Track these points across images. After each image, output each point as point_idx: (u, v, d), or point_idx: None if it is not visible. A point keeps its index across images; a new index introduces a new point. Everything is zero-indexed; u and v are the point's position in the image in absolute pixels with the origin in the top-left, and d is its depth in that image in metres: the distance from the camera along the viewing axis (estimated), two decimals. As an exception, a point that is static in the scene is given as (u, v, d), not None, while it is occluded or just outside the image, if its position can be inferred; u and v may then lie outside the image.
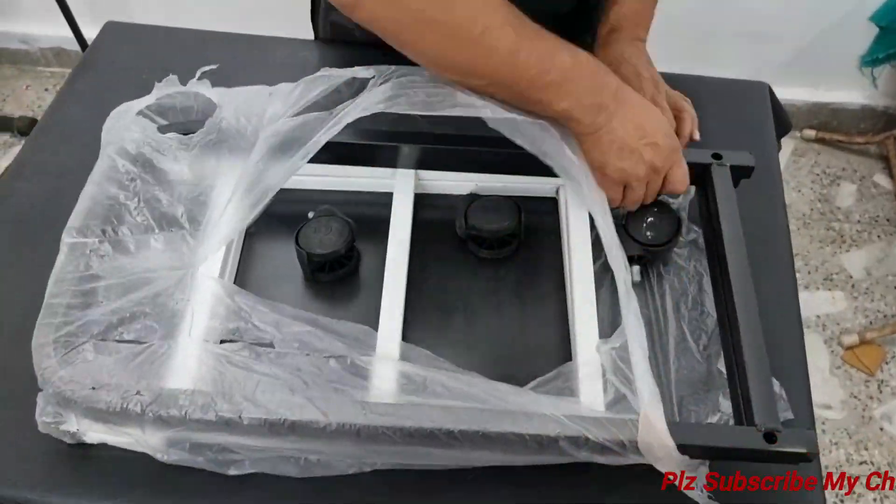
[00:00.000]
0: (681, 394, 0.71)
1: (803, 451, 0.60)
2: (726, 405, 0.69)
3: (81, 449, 0.67)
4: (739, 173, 0.77)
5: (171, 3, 1.82)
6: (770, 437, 0.60)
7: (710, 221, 0.75)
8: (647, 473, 0.63)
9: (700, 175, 0.76)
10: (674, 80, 0.95)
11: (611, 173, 0.70)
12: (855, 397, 1.61)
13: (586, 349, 0.69)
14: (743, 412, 0.63)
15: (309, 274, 0.75)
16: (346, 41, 0.98)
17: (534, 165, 0.72)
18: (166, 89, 0.79)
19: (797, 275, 1.77)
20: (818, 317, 1.73)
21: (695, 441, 0.60)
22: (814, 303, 1.75)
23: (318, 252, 0.73)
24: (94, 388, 0.62)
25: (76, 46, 1.90)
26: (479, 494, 0.66)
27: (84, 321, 0.67)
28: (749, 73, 1.16)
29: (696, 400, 0.70)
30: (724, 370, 0.71)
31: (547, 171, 0.73)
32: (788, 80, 1.92)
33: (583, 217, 0.78)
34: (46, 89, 2.12)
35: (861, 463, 1.53)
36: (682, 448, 0.60)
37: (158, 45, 1.00)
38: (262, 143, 0.72)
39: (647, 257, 0.76)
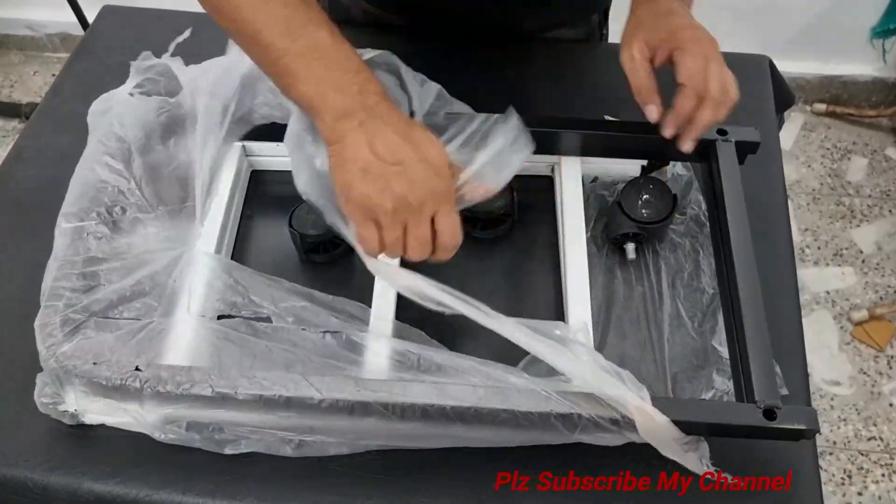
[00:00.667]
0: (675, 370, 0.71)
1: (803, 427, 0.60)
2: (720, 381, 0.69)
3: (81, 430, 0.68)
4: (745, 149, 0.76)
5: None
6: (770, 413, 0.60)
7: (713, 198, 0.74)
8: (643, 453, 0.63)
9: (704, 151, 0.75)
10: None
11: (354, 198, 0.58)
12: (864, 373, 1.60)
13: (579, 335, 0.68)
14: (743, 389, 0.63)
15: (303, 255, 0.75)
16: (343, 20, 0.98)
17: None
18: (143, 65, 0.79)
19: (806, 250, 1.77)
20: (827, 293, 1.71)
21: (694, 417, 0.61)
22: (823, 278, 1.74)
23: (310, 233, 0.73)
24: (94, 364, 0.63)
25: (82, 31, 1.90)
26: (472, 475, 0.67)
27: (87, 302, 0.68)
28: (756, 46, 1.14)
29: (690, 377, 0.70)
30: (718, 347, 0.71)
31: (541, 149, 0.73)
32: (798, 54, 1.89)
33: (577, 195, 0.77)
34: (53, 75, 2.13)
35: (869, 439, 1.52)
36: (681, 425, 0.60)
37: (155, 28, 1.00)
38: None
39: (643, 235, 0.76)
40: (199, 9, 1.02)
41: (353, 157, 0.57)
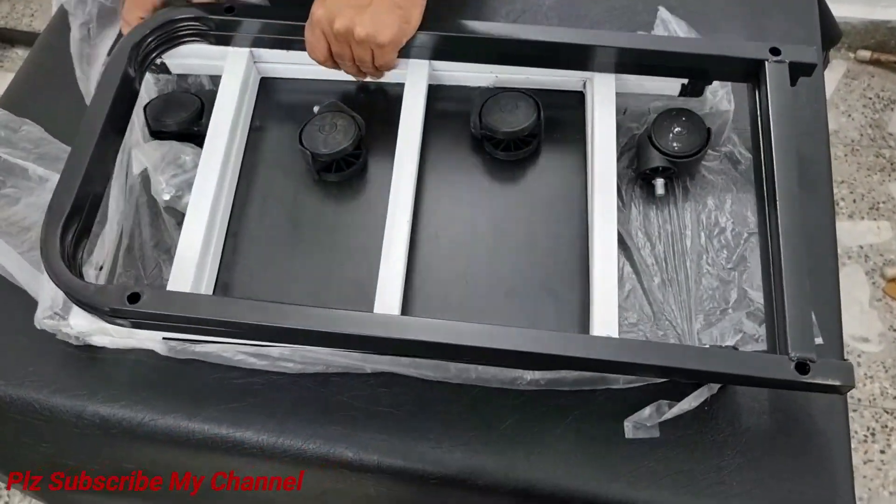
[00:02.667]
0: (701, 312, 0.67)
1: (837, 383, 0.57)
2: (750, 326, 0.66)
3: (87, 352, 0.68)
4: (798, 71, 0.69)
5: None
6: (803, 367, 0.57)
7: (758, 126, 0.68)
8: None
9: (753, 71, 0.69)
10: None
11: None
12: (894, 330, 1.55)
13: (603, 270, 0.65)
14: (777, 338, 0.59)
15: (315, 174, 0.72)
16: None
17: (560, 58, 0.67)
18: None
19: (841, 203, 1.71)
20: (861, 247, 1.66)
21: (723, 368, 0.58)
22: (857, 232, 1.68)
23: (323, 152, 0.70)
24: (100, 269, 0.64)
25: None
26: (479, 414, 0.65)
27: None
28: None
29: (718, 319, 0.67)
30: (750, 290, 0.68)
31: (573, 64, 0.68)
32: (843, -4, 1.81)
33: (609, 115, 0.72)
34: (75, 4, 2.09)
35: (895, 397, 1.49)
36: (709, 375, 0.58)
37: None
38: None
39: (673, 170, 0.72)
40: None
41: None
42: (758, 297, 0.67)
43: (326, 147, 0.70)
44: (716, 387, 0.64)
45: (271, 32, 0.73)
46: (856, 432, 1.45)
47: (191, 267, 0.64)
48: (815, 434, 0.64)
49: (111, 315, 0.59)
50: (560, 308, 0.66)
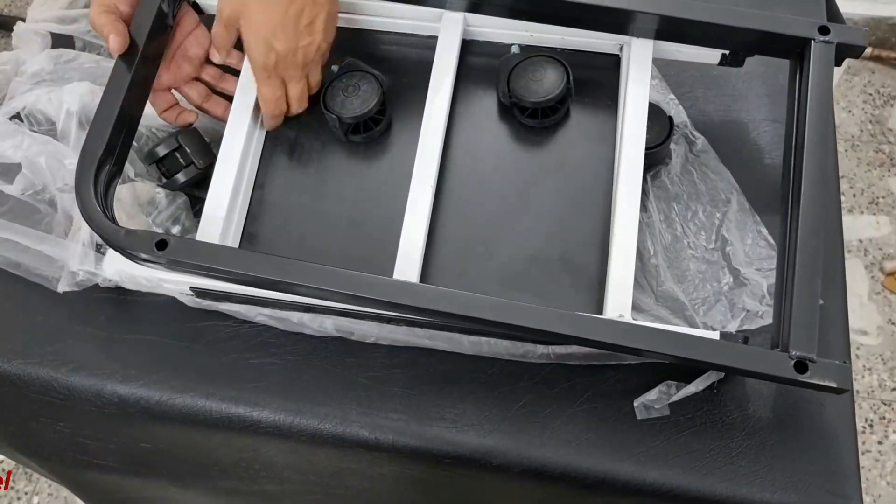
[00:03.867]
0: (699, 297, 0.68)
1: (834, 385, 0.57)
2: (752, 304, 0.67)
3: (106, 332, 0.69)
4: (844, 53, 0.66)
5: None
6: (802, 366, 0.57)
7: (797, 106, 0.65)
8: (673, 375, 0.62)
9: (799, 49, 0.66)
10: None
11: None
12: (893, 323, 1.57)
13: (621, 252, 0.64)
14: (781, 334, 0.59)
15: (343, 136, 0.72)
16: None
17: (599, 19, 0.67)
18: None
19: (842, 197, 1.72)
20: (860, 241, 1.67)
21: (722, 360, 0.58)
22: (856, 226, 1.70)
23: (346, 115, 0.70)
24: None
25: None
26: (497, 392, 0.66)
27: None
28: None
29: (716, 300, 0.68)
30: (741, 269, 0.69)
31: (612, 27, 0.67)
32: (846, -8, 1.81)
33: (644, 84, 0.69)
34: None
35: (893, 389, 1.50)
36: (711, 366, 0.58)
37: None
38: None
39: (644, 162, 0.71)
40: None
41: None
42: (752, 273, 0.68)
43: (349, 110, 0.70)
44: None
45: None
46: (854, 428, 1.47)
47: (219, 218, 0.65)
48: (822, 421, 0.65)
49: (140, 259, 0.62)
50: (577, 282, 0.66)
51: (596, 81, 0.73)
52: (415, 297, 0.59)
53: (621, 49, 0.74)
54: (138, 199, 0.72)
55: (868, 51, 1.91)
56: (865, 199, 1.73)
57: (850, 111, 1.86)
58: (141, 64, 0.66)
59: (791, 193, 0.63)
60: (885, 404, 1.49)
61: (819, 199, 0.61)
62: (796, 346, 0.57)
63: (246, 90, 0.71)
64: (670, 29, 0.70)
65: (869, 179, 1.76)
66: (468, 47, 0.75)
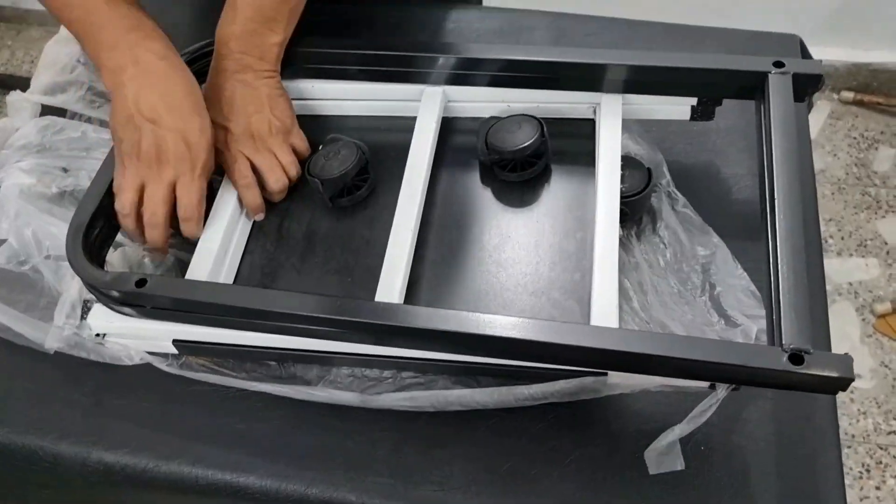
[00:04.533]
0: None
1: (834, 374, 0.53)
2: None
3: (93, 399, 0.69)
4: (805, 84, 0.68)
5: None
6: (797, 358, 0.53)
7: (764, 142, 0.66)
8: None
9: (758, 85, 0.68)
10: (697, 34, 0.92)
11: (116, 144, 0.67)
12: (885, 366, 1.57)
13: (603, 263, 0.65)
14: (773, 332, 0.57)
15: (327, 200, 0.74)
16: None
17: (569, 77, 0.69)
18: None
19: (829, 241, 1.74)
20: (850, 284, 1.68)
21: (709, 357, 0.55)
22: (846, 269, 1.71)
23: (328, 177, 0.72)
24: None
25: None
26: (484, 454, 0.66)
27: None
28: (783, 29, 1.12)
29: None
30: (730, 311, 0.69)
31: (582, 84, 0.70)
32: (826, 39, 1.85)
33: (615, 138, 0.72)
34: (74, 50, 2.13)
35: (889, 433, 1.50)
36: (696, 366, 0.55)
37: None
38: None
39: (626, 210, 0.72)
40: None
41: (121, 107, 0.64)
42: (741, 318, 0.68)
43: (330, 173, 0.72)
44: (719, 394, 0.62)
45: (304, 62, 0.78)
46: (850, 469, 1.46)
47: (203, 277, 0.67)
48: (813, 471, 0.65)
49: (121, 301, 0.63)
50: (563, 317, 0.67)
51: (574, 145, 0.77)
52: (403, 318, 0.59)
53: (595, 112, 0.78)
54: (128, 263, 0.73)
55: (850, 95, 1.95)
56: (854, 242, 1.74)
57: (835, 155, 1.89)
58: None
59: (768, 210, 0.63)
60: (881, 448, 1.48)
61: (796, 210, 0.61)
62: (789, 339, 0.55)
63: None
64: (637, 79, 0.73)
65: (857, 222, 1.77)
66: (449, 122, 0.79)
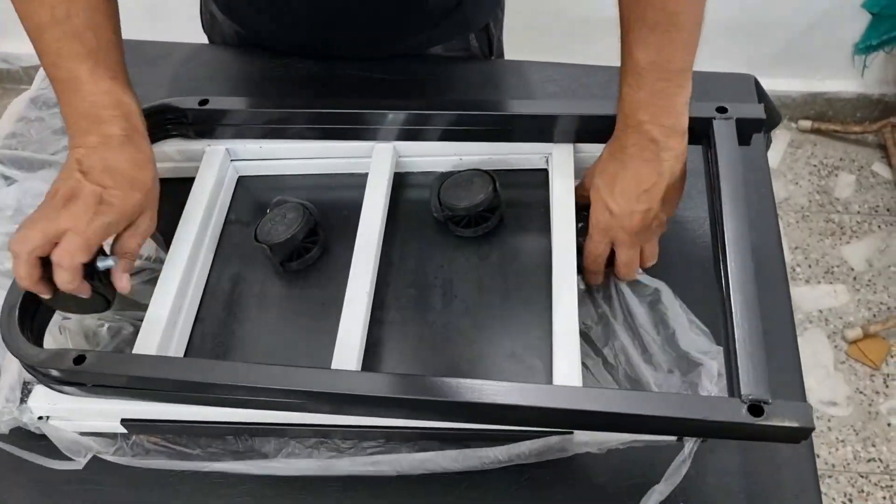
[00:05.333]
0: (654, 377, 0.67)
1: (794, 425, 0.53)
2: (709, 385, 0.65)
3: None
4: (748, 128, 0.70)
5: (154, 15, 1.79)
6: (756, 409, 0.53)
7: (711, 183, 0.68)
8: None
9: (702, 130, 0.69)
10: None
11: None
12: (861, 392, 1.57)
13: (564, 324, 0.64)
14: (732, 383, 0.57)
15: (278, 266, 0.72)
16: (220, 41, 1.00)
17: (524, 128, 0.69)
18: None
19: (797, 269, 1.74)
20: (820, 311, 1.69)
21: (669, 412, 0.54)
22: (815, 297, 1.71)
23: (276, 242, 0.70)
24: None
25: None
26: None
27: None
28: (739, 64, 1.13)
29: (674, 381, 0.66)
30: (690, 352, 0.67)
31: (534, 136, 0.70)
32: (781, 71, 1.89)
33: (568, 188, 0.72)
34: (31, 108, 2.10)
35: (869, 460, 1.49)
36: (656, 422, 0.55)
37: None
38: None
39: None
40: (168, 38, 1.01)
41: (65, 165, 0.65)
42: (701, 357, 0.66)
43: (275, 237, 0.70)
44: (688, 448, 0.61)
45: (248, 122, 0.76)
46: (833, 500, 1.45)
47: (150, 349, 0.64)
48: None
49: (60, 381, 0.60)
50: (526, 376, 0.66)
51: (528, 196, 0.76)
52: (362, 386, 0.57)
53: (547, 161, 0.77)
54: (85, 332, 0.70)
55: (808, 124, 1.98)
56: (821, 269, 1.76)
57: (797, 183, 1.91)
58: None
59: (719, 255, 0.63)
60: (862, 476, 1.47)
61: (746, 255, 0.61)
62: (748, 389, 0.55)
63: (187, 228, 0.71)
64: (588, 128, 0.73)
65: (822, 249, 1.79)
66: (401, 177, 0.78)
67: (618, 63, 0.68)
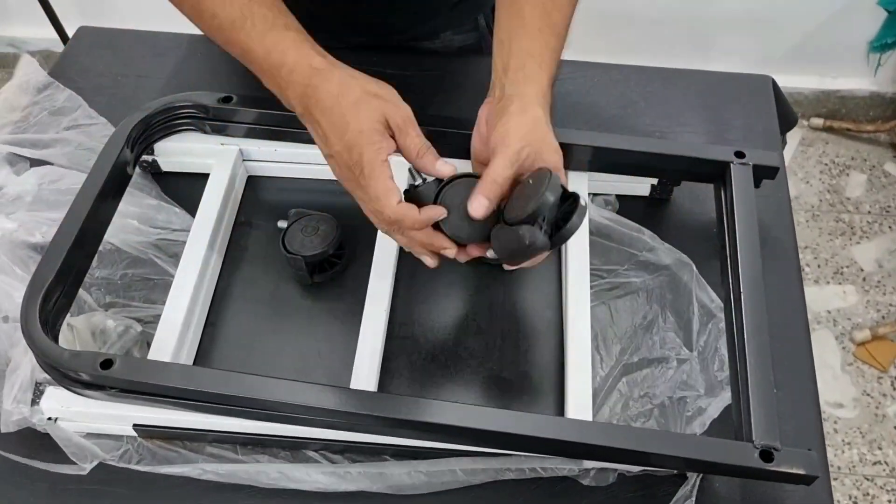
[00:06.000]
0: (655, 403, 0.67)
1: (801, 472, 0.56)
2: (714, 409, 0.65)
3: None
4: (762, 174, 0.72)
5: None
6: (767, 455, 0.56)
7: (724, 223, 0.70)
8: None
9: (720, 172, 0.72)
10: (673, 76, 0.91)
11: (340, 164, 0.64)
12: (868, 395, 1.56)
13: (578, 358, 0.65)
14: (742, 426, 0.59)
15: (307, 277, 0.72)
16: None
17: None
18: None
19: (806, 269, 1.73)
20: (828, 312, 1.68)
21: (684, 453, 0.57)
22: (824, 297, 1.70)
23: (308, 254, 0.70)
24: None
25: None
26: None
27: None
28: (753, 61, 1.12)
29: (676, 407, 0.66)
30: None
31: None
32: (795, 68, 1.87)
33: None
34: (36, 93, 2.09)
35: (875, 463, 1.48)
36: (670, 461, 0.57)
37: (133, 50, 0.96)
38: None
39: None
40: (180, 30, 1.00)
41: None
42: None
43: (309, 249, 0.70)
44: (692, 482, 0.62)
45: (265, 123, 0.75)
46: (838, 502, 1.44)
47: (166, 353, 0.63)
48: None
49: (84, 383, 0.59)
50: (536, 399, 0.67)
51: None
52: (378, 408, 0.57)
53: None
54: (92, 329, 0.69)
55: (820, 122, 1.96)
56: (830, 270, 1.74)
57: (807, 182, 1.90)
58: (98, 201, 0.68)
59: (732, 300, 0.65)
60: (867, 479, 1.47)
61: (760, 304, 0.63)
62: (759, 436, 0.57)
63: (201, 228, 0.71)
64: (601, 160, 0.73)
65: (832, 249, 1.77)
66: None
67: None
